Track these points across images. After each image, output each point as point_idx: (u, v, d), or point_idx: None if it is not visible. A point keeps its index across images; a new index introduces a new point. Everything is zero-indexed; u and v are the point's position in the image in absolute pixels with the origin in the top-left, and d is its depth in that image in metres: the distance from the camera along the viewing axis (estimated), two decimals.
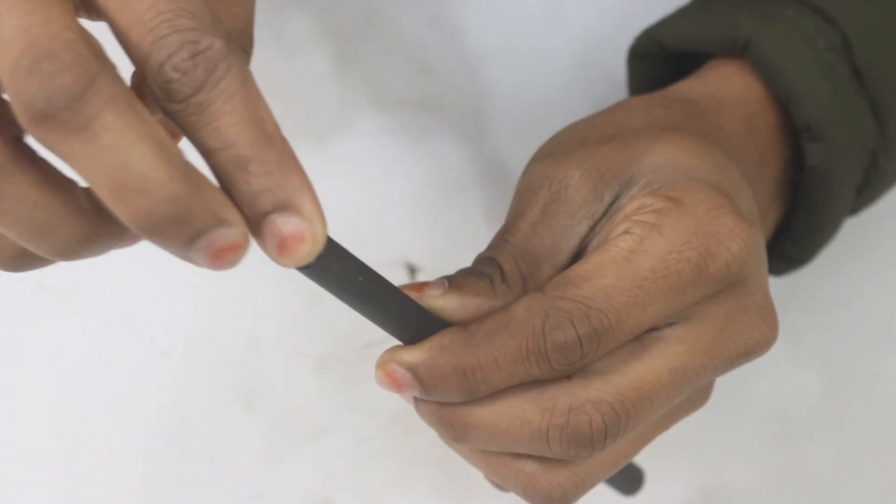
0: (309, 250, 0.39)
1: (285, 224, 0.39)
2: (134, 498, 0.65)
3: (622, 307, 0.46)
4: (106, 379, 0.66)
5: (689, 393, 0.49)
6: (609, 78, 0.70)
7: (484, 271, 0.49)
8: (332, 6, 0.68)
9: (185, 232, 0.37)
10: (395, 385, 0.47)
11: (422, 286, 0.48)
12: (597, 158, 0.50)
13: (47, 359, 0.66)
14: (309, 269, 0.42)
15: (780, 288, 0.69)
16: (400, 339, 0.48)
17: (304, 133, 0.68)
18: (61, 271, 0.66)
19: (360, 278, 0.44)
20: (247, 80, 0.38)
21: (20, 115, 0.36)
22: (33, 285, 0.66)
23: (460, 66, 0.69)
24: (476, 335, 0.47)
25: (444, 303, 0.48)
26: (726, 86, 0.58)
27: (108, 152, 0.36)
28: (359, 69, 0.68)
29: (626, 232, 0.47)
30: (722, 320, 0.48)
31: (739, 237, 0.48)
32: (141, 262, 0.65)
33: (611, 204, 0.49)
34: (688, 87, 0.58)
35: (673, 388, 0.47)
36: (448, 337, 0.47)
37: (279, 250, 0.39)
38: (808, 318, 0.71)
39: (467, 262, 0.49)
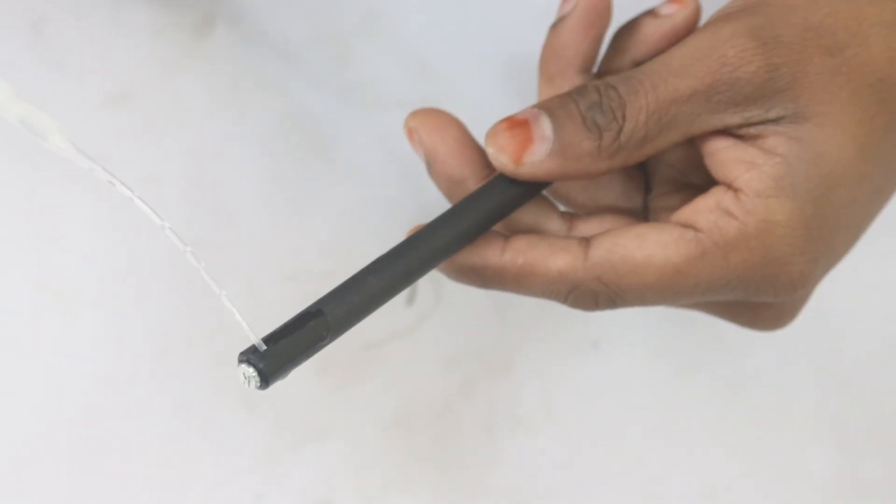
0: None
1: None
2: (134, 498, 0.65)
3: (643, 299, 0.47)
4: (106, 379, 0.66)
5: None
6: None
7: (597, 123, 0.46)
8: (332, 7, 0.68)
9: None
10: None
11: (527, 139, 0.47)
12: (791, 68, 0.45)
13: (47, 359, 0.66)
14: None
15: None
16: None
17: (305, 134, 0.68)
18: (61, 271, 0.66)
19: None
20: None
21: None
22: (33, 285, 0.66)
23: (460, 66, 0.69)
24: (508, 272, 0.47)
25: (536, 171, 0.46)
26: None
27: None
28: (359, 69, 0.68)
29: (699, 232, 0.46)
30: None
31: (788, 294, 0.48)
32: (141, 262, 0.65)
33: (756, 123, 0.46)
34: None
35: None
36: (481, 262, 0.47)
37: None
38: (808, 317, 0.71)
39: None
